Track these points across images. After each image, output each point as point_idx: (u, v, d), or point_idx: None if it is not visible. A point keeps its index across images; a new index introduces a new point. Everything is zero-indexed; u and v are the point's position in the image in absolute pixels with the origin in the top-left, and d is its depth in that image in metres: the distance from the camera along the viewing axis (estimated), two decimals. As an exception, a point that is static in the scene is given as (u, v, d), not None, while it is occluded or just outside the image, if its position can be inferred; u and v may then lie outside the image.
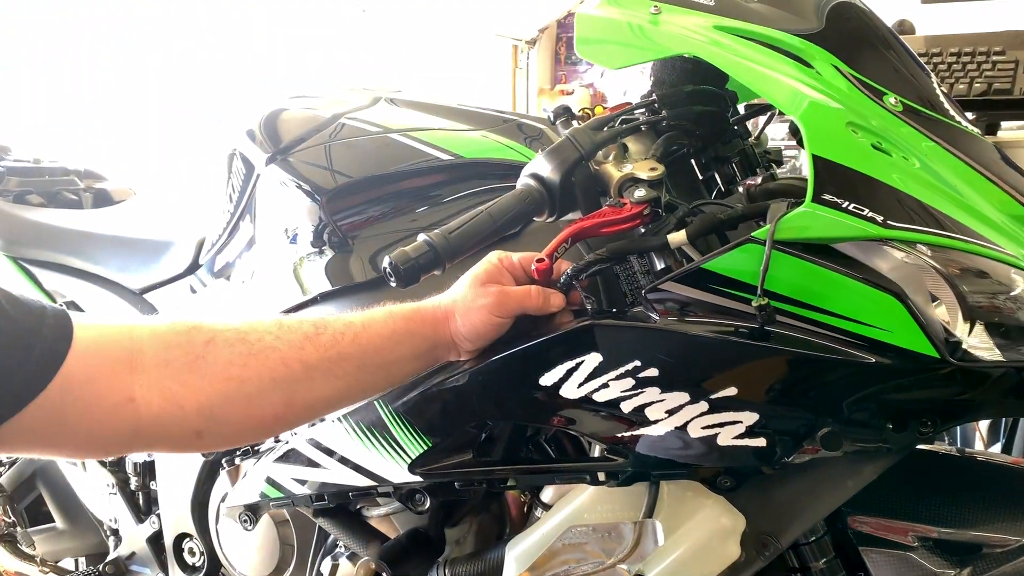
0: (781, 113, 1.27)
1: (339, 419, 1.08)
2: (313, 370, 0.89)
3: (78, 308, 1.58)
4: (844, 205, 0.82)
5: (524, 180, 0.97)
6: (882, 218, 0.81)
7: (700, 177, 1.18)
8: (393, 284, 0.89)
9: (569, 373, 0.90)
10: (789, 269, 0.84)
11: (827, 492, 0.96)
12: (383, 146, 1.18)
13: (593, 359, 0.89)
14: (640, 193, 0.91)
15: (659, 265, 0.98)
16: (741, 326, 0.86)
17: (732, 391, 0.87)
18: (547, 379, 0.91)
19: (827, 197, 0.82)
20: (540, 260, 0.89)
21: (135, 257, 1.58)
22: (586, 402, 0.90)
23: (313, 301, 1.21)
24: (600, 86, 4.72)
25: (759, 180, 1.14)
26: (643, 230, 0.94)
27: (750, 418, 0.87)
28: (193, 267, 1.47)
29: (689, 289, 0.87)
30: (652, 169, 0.94)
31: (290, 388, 0.88)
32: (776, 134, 1.73)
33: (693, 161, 1.18)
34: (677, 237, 0.91)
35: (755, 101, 1.25)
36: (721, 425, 0.88)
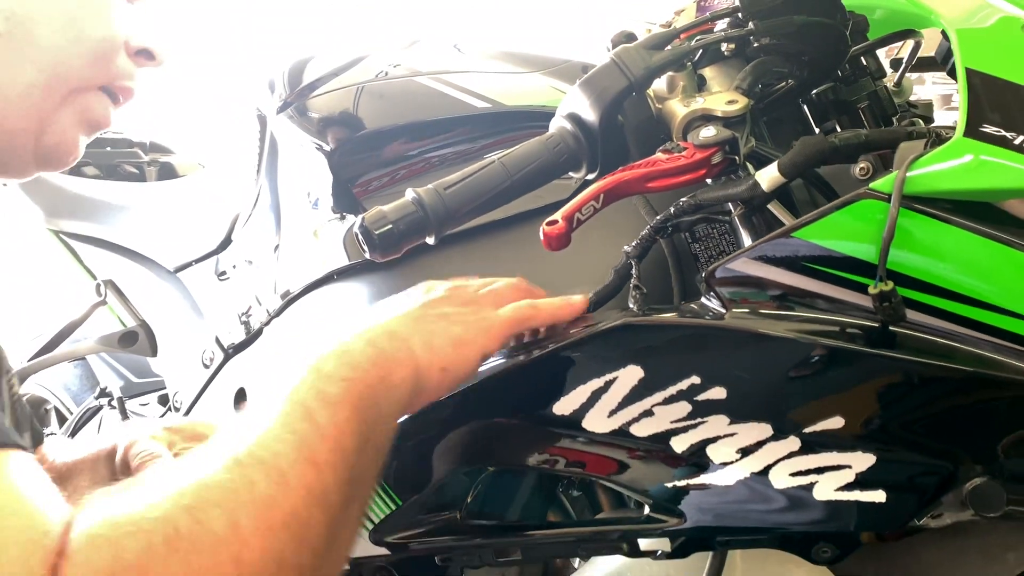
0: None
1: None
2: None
3: (115, 287, 1.44)
4: (1014, 140, 0.53)
5: (556, 121, 0.72)
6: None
7: (816, 130, 0.89)
8: (366, 254, 0.66)
9: (596, 396, 0.64)
10: (926, 239, 0.56)
11: (976, 570, 0.66)
12: (405, 92, 0.95)
13: (631, 375, 0.62)
14: (707, 133, 0.64)
15: (747, 241, 0.71)
16: (851, 325, 0.58)
17: (837, 422, 0.60)
18: (563, 405, 0.65)
19: (987, 130, 0.54)
20: (552, 221, 0.63)
21: (174, 233, 1.43)
22: (620, 437, 0.64)
23: (328, 279, 1.01)
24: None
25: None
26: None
27: (863, 462, 0.60)
28: (224, 244, 1.29)
29: (773, 269, 0.60)
30: (731, 102, 0.67)
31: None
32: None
33: (807, 108, 0.89)
34: (768, 173, 0.64)
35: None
36: (820, 471, 0.61)
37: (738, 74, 0.74)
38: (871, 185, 0.56)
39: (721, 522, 0.64)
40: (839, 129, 0.89)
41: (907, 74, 0.94)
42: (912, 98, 0.96)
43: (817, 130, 0.90)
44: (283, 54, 1.14)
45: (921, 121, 0.89)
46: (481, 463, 0.72)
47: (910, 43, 0.93)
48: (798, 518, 0.63)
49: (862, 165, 0.80)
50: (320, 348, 0.55)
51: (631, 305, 0.69)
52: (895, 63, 0.96)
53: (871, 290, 0.55)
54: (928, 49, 0.92)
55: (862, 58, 0.86)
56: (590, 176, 0.72)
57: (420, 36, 1.12)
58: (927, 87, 2.13)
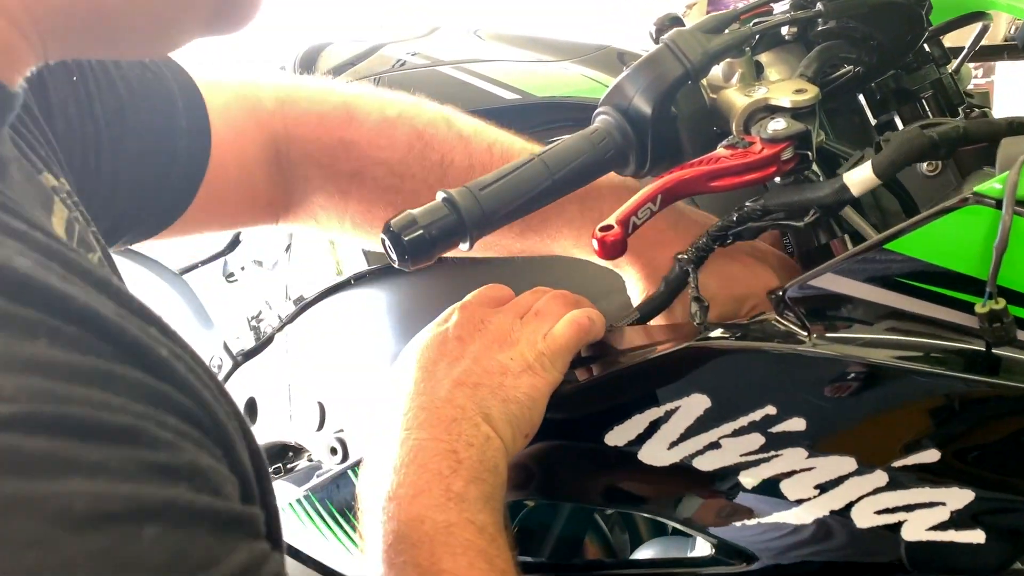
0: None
1: (294, 502, 0.80)
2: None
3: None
4: None
5: (601, 113, 0.65)
6: None
7: (873, 121, 0.82)
8: (395, 263, 0.59)
9: (654, 427, 0.56)
10: (1043, 251, 0.49)
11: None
12: (427, 83, 0.87)
13: (695, 404, 0.55)
14: (777, 126, 0.57)
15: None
16: (952, 349, 0.51)
17: (931, 455, 0.53)
18: (616, 436, 0.57)
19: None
20: (607, 227, 0.55)
21: (179, 232, 1.36)
22: (682, 472, 0.56)
23: (345, 284, 0.94)
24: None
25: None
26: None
27: (959, 499, 0.53)
28: (233, 244, 1.22)
29: (862, 286, 0.53)
30: (799, 91, 0.60)
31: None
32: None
33: (863, 97, 0.82)
34: (860, 175, 0.56)
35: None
36: (909, 509, 0.53)
37: (799, 61, 0.66)
38: (976, 188, 0.49)
39: (796, 565, 0.57)
40: (898, 121, 0.81)
41: (952, 61, 0.87)
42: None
43: (874, 121, 0.82)
44: (295, 42, 1.07)
45: (988, 111, 0.82)
46: (524, 495, 0.65)
47: (976, 27, 0.86)
48: (884, 559, 0.56)
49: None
50: (424, 454, 0.53)
51: (692, 319, 0.62)
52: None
53: (979, 309, 0.48)
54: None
55: (925, 44, 0.79)
56: (639, 173, 0.65)
57: (439, 23, 1.04)
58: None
